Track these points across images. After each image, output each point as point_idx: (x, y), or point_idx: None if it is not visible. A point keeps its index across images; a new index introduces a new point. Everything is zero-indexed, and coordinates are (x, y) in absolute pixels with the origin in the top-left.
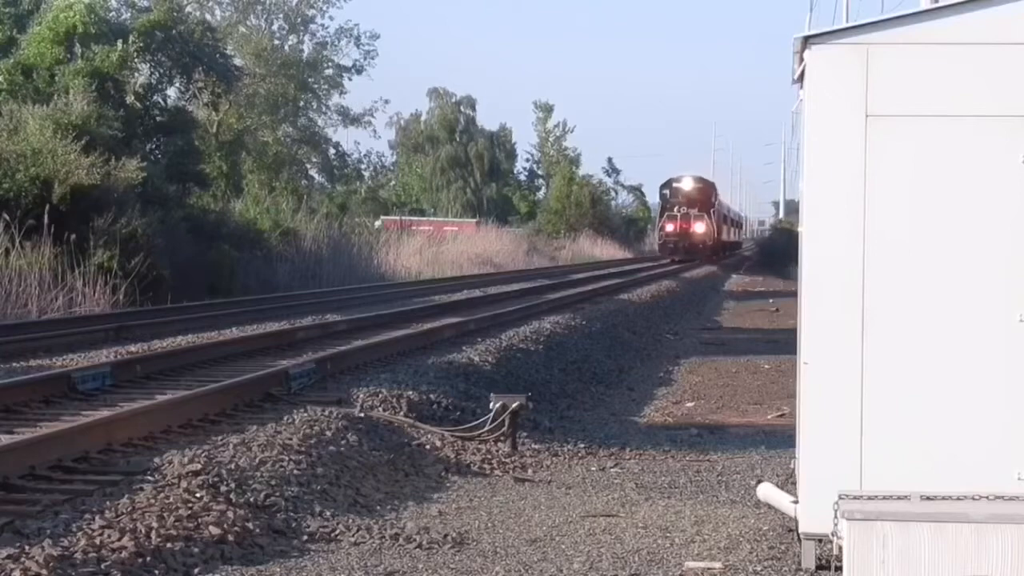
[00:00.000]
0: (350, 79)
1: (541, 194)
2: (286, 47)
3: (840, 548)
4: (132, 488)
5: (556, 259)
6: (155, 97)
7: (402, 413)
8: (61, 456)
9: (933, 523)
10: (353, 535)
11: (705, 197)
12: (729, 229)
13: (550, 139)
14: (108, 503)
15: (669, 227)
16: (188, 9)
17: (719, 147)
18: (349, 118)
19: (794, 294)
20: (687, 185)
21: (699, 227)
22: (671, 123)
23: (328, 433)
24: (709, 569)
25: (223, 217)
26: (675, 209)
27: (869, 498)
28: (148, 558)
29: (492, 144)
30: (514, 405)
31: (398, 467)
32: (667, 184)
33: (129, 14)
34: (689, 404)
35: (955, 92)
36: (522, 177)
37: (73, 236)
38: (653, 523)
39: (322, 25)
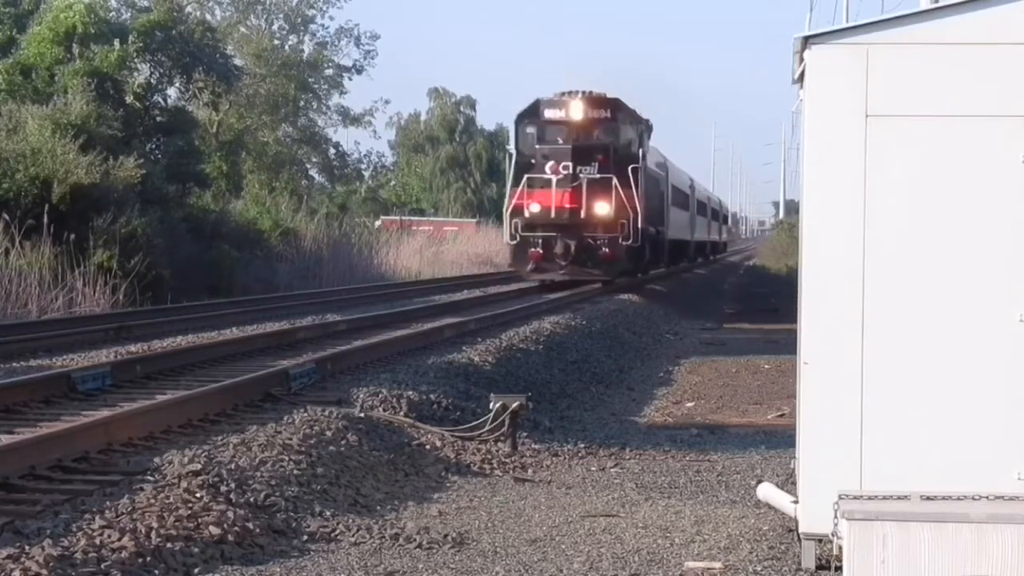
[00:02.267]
0: (350, 79)
1: None
2: (286, 47)
3: (840, 548)
4: (132, 488)
5: None
6: (155, 97)
7: (402, 413)
8: (61, 456)
9: (933, 523)
10: (353, 535)
11: (616, 141)
12: (693, 220)
13: None
14: (108, 503)
15: (533, 207)
16: (188, 9)
17: (719, 147)
18: (349, 118)
19: (794, 294)
20: (576, 113)
21: (600, 207)
22: (671, 122)
23: (328, 433)
24: (709, 569)
25: (223, 217)
26: (547, 167)
27: (869, 498)
28: (148, 558)
29: (492, 144)
30: (514, 405)
31: (398, 467)
32: (531, 112)
33: (129, 14)
34: (689, 404)
35: (955, 92)
36: None
37: (73, 236)
38: (653, 523)
39: (322, 25)
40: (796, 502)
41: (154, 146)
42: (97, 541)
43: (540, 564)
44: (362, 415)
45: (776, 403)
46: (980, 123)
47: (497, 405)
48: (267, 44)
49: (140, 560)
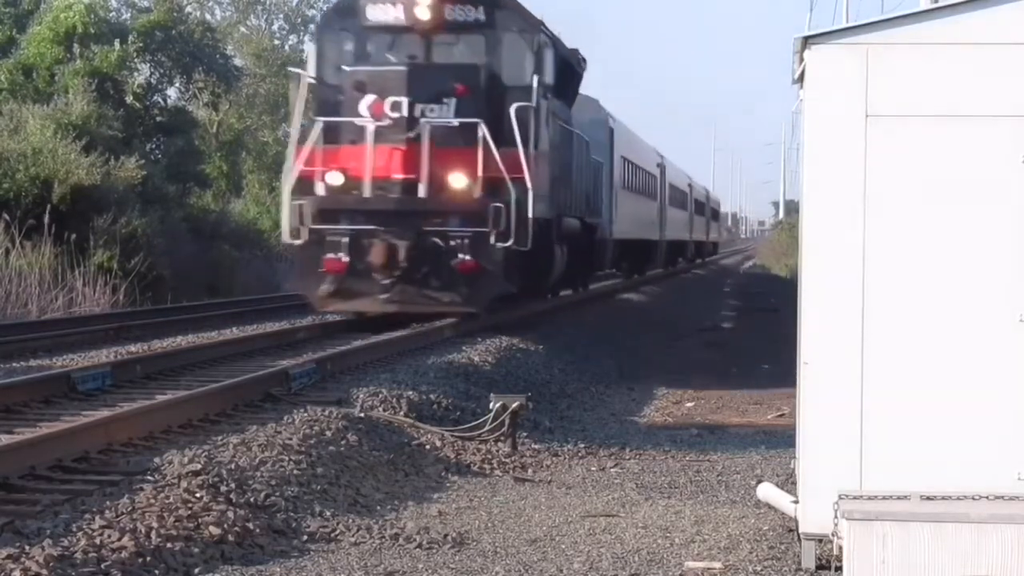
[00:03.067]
0: None
1: None
2: (286, 47)
3: (840, 548)
4: (132, 488)
5: None
6: (155, 97)
7: (402, 413)
8: (61, 456)
9: (933, 523)
10: (353, 535)
11: (493, 62)
12: (664, 213)
13: None
14: (108, 503)
15: (333, 177)
16: (188, 9)
17: (719, 147)
18: None
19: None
20: (422, 10)
21: (455, 179)
22: (670, 121)
23: (328, 433)
24: (709, 569)
25: (223, 217)
26: (362, 105)
27: (869, 498)
28: (148, 558)
29: None
30: (514, 405)
31: (398, 467)
32: (345, 11)
33: (129, 14)
34: (689, 404)
35: (955, 92)
36: None
37: (73, 236)
38: (653, 523)
39: None
40: (796, 502)
41: (154, 146)
42: (97, 541)
43: (540, 564)
44: (362, 415)
45: (776, 403)
46: (980, 123)
47: (497, 405)
48: (267, 44)
49: (140, 560)
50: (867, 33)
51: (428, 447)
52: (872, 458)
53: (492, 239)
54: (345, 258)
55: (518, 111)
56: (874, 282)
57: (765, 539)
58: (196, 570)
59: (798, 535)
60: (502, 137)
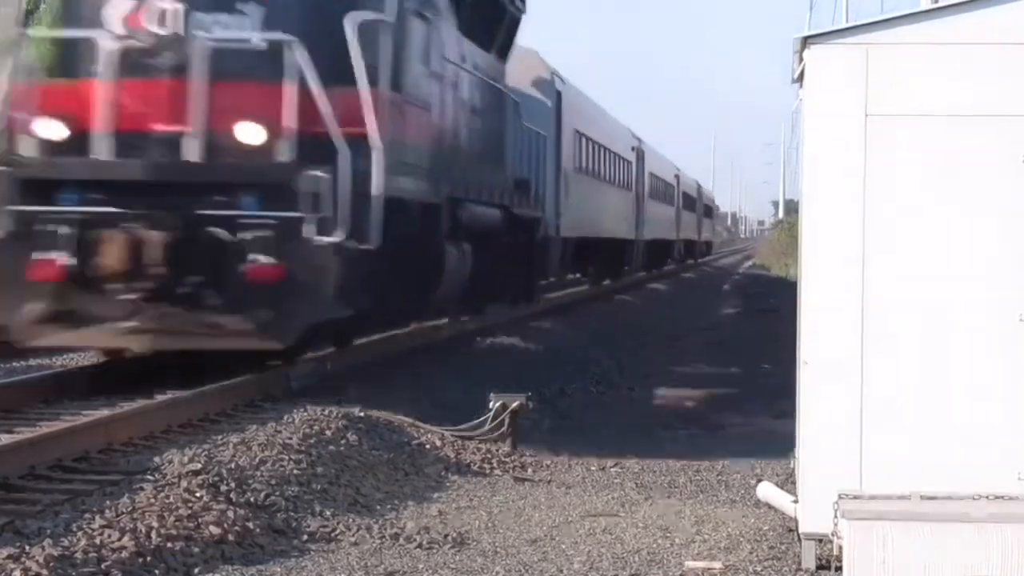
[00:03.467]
0: None
1: None
2: None
3: (840, 548)
4: (132, 488)
5: None
6: None
7: (402, 412)
8: (61, 456)
9: (933, 523)
10: (353, 535)
11: None
12: (641, 207)
13: None
14: (108, 503)
15: (48, 127)
16: None
17: (718, 147)
18: None
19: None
20: None
21: (245, 129)
22: (670, 120)
23: (328, 432)
24: (709, 569)
25: None
26: (107, 15)
27: (869, 498)
28: (148, 558)
29: None
30: (514, 405)
31: (398, 467)
32: None
33: None
34: (689, 404)
35: (955, 92)
36: None
37: None
38: (653, 523)
39: None
40: (796, 502)
41: None
42: (97, 541)
43: (540, 564)
44: (362, 414)
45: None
46: (980, 123)
47: (497, 405)
48: None
49: (140, 560)
50: (867, 33)
51: (428, 447)
52: (872, 458)
53: (308, 230)
54: (66, 259)
55: (361, 28)
56: (874, 281)
57: (765, 539)
58: (196, 570)
59: (798, 535)
60: (330, 62)
